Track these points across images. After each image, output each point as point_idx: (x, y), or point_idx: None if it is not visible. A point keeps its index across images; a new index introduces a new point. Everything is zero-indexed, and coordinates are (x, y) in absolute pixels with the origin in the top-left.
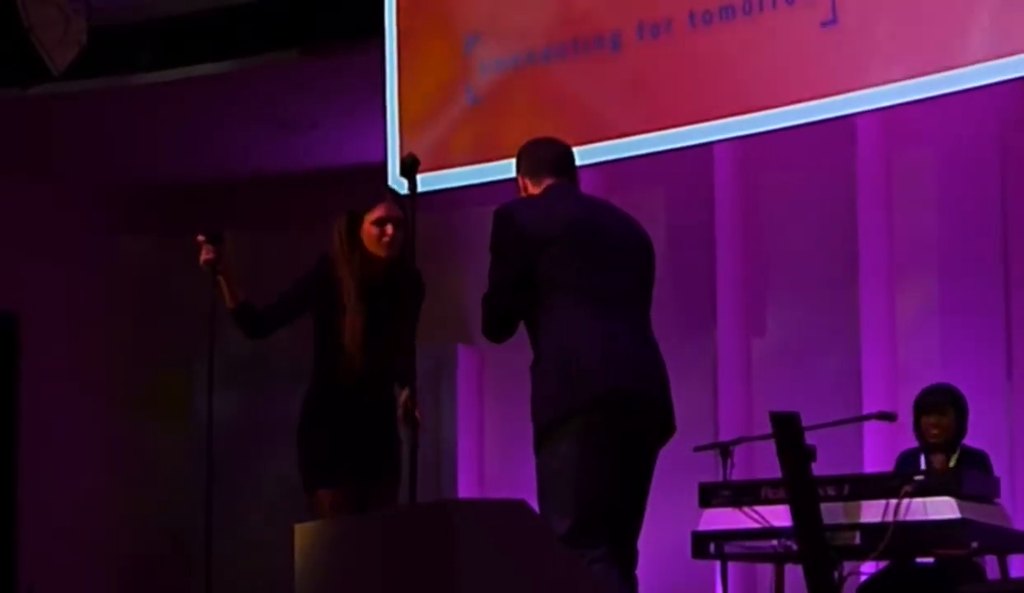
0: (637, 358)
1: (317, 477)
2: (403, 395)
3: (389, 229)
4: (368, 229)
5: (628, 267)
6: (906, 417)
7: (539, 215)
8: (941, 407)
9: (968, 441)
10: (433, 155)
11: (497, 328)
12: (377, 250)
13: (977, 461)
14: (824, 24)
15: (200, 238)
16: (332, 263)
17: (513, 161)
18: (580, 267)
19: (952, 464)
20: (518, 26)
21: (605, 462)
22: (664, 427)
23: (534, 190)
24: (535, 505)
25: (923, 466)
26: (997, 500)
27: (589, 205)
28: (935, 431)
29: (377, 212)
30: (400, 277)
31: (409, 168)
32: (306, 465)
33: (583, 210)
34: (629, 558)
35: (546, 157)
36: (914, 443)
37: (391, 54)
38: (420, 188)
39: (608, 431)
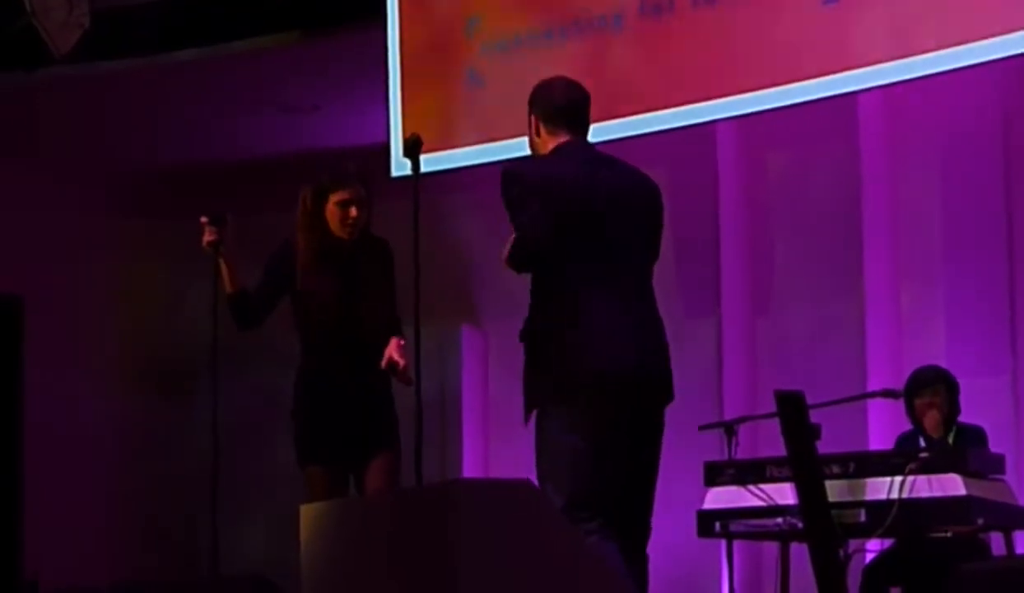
0: (634, 331)
1: (306, 454)
2: (389, 346)
3: (352, 211)
4: (331, 209)
5: (632, 227)
6: None
7: (548, 172)
8: (932, 386)
9: (973, 420)
10: (436, 136)
11: (526, 260)
12: (339, 231)
13: (974, 437)
14: (826, 1)
15: (203, 219)
16: (294, 240)
17: (515, 141)
18: (584, 234)
19: (950, 441)
20: (520, 7)
21: (603, 440)
22: (663, 394)
23: (546, 138)
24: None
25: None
26: (1002, 476)
27: (595, 165)
28: (930, 410)
29: (341, 194)
30: (365, 247)
31: (412, 148)
32: (297, 442)
33: (589, 173)
34: (634, 533)
35: (560, 106)
36: None
37: (393, 36)
38: (423, 169)
39: (604, 409)
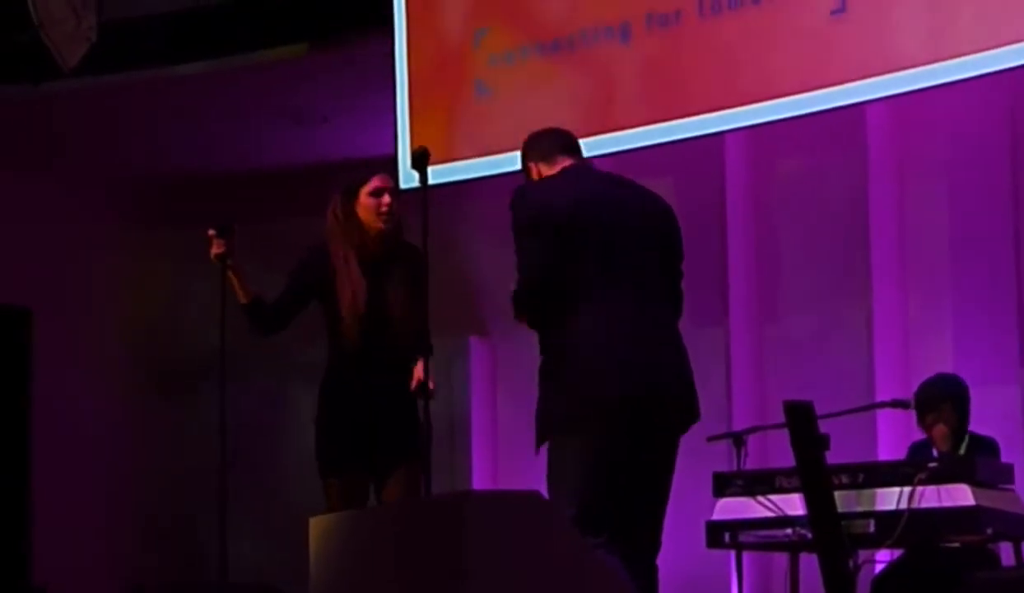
0: (653, 352)
1: (327, 466)
2: (417, 367)
3: (386, 198)
4: (364, 201)
5: (649, 246)
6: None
7: (555, 196)
8: (936, 405)
9: (981, 429)
10: (444, 147)
11: (527, 304)
12: (374, 222)
13: (986, 448)
14: (833, 12)
15: (210, 232)
16: (327, 246)
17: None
18: (596, 253)
19: (962, 452)
20: (527, 18)
21: (618, 464)
22: (685, 415)
23: (549, 172)
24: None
25: (935, 456)
26: (1011, 486)
27: (607, 183)
28: (937, 425)
29: (373, 183)
30: (398, 253)
31: (420, 160)
32: (318, 453)
33: (601, 190)
34: (644, 547)
35: (555, 140)
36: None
37: (401, 47)
38: (431, 181)
39: (620, 433)
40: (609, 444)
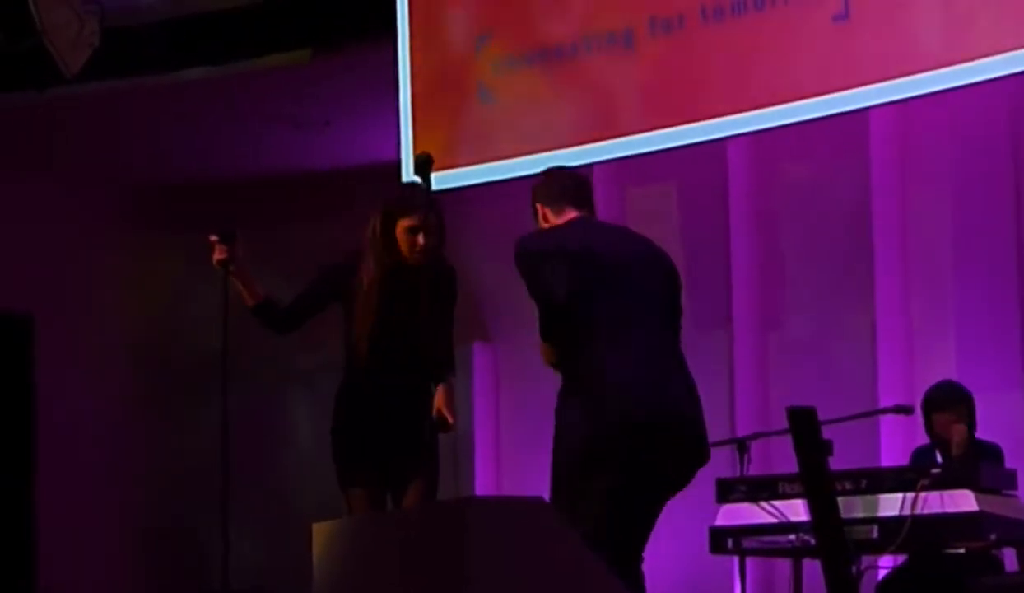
0: (667, 389)
1: (347, 477)
2: (438, 395)
3: (420, 239)
4: (401, 234)
5: (654, 294)
6: (918, 414)
7: (559, 243)
8: (954, 404)
9: (984, 435)
10: (447, 153)
11: (552, 323)
12: (409, 255)
13: (991, 454)
14: (835, 18)
15: (212, 238)
16: (359, 256)
17: (526, 159)
18: (606, 298)
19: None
20: (530, 24)
21: (637, 499)
22: (698, 455)
23: (555, 220)
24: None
25: (939, 461)
26: (1014, 492)
27: (610, 235)
28: (957, 426)
29: (410, 220)
30: (433, 277)
31: (423, 166)
32: (337, 463)
33: (604, 241)
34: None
35: (565, 186)
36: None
37: (403, 53)
38: (434, 186)
39: (638, 467)
40: (633, 475)
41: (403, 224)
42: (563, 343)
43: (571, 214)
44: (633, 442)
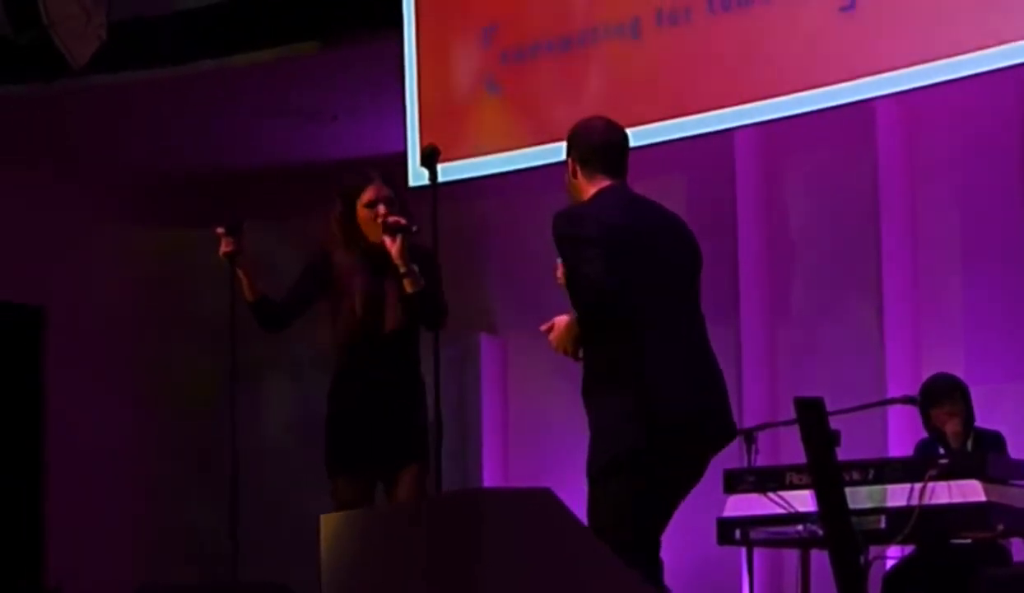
0: (698, 380)
1: (334, 465)
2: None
3: (381, 209)
4: (361, 213)
5: (680, 275)
6: None
7: (599, 226)
8: (948, 396)
9: (992, 425)
10: (454, 145)
11: (601, 312)
12: (374, 235)
13: (993, 442)
14: (842, 8)
15: (219, 230)
16: (330, 250)
17: (532, 150)
18: (645, 289)
19: (968, 447)
20: (536, 15)
21: (667, 493)
22: (725, 436)
23: (583, 182)
24: (559, 493)
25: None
26: (1022, 482)
27: (637, 210)
28: (952, 419)
29: (367, 195)
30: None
31: (430, 158)
32: (325, 453)
33: (632, 218)
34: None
35: (597, 148)
36: None
37: (410, 45)
38: (441, 178)
39: (669, 464)
40: (672, 471)
41: (361, 201)
42: (597, 333)
43: (603, 182)
44: (678, 443)
